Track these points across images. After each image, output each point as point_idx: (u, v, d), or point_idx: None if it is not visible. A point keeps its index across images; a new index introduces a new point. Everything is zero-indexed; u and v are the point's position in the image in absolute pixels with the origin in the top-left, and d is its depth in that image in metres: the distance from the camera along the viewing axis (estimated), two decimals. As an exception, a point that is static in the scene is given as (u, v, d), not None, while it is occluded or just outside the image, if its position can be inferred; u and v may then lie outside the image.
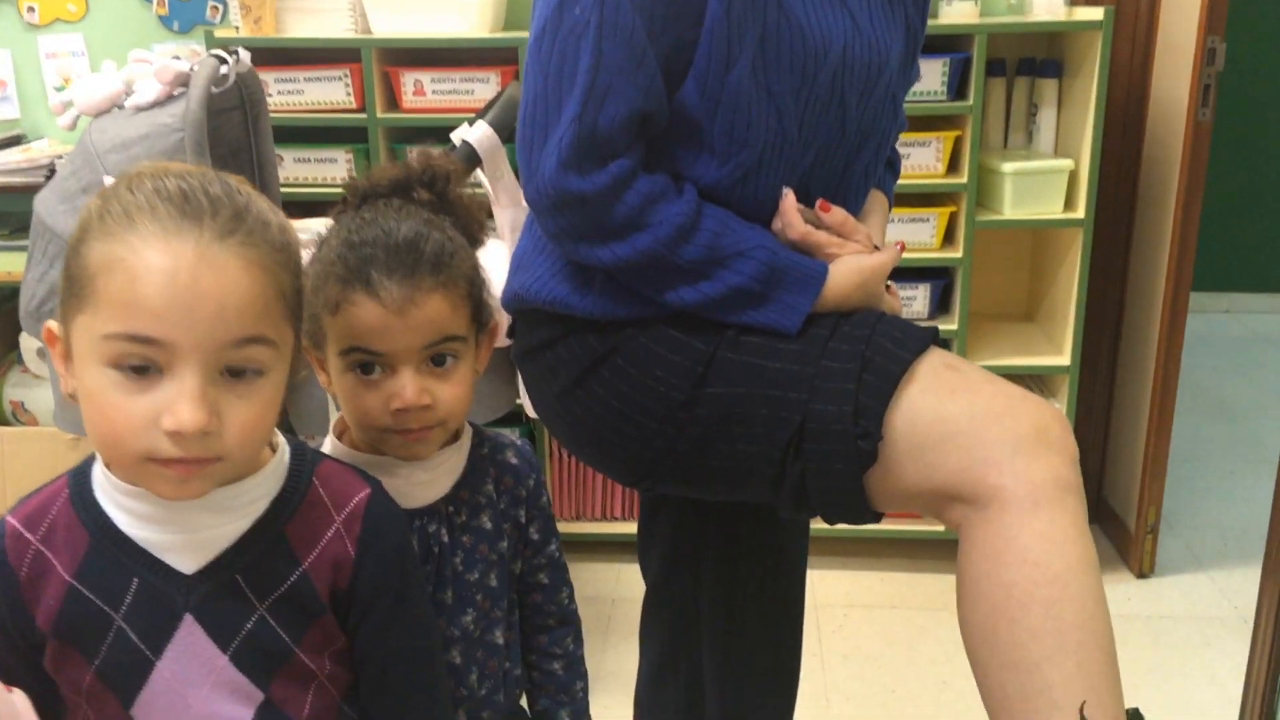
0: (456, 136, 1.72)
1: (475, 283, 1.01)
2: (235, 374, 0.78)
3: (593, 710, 2.29)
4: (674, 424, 1.10)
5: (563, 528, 2.76)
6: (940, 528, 2.66)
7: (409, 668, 0.92)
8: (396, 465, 1.01)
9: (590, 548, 2.78)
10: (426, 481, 1.02)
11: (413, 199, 1.02)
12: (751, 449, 1.08)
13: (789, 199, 1.11)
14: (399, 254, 0.95)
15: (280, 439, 0.90)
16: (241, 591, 0.85)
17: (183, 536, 0.83)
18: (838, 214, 1.13)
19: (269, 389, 0.80)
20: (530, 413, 2.33)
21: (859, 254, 1.12)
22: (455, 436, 1.06)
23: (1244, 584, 2.60)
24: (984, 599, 0.99)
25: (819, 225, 1.13)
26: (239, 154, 1.96)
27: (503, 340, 1.29)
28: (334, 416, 1.16)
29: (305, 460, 0.90)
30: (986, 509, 1.01)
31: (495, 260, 1.20)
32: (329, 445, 1.03)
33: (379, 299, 0.93)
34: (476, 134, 1.72)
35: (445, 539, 1.02)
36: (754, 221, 1.11)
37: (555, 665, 1.13)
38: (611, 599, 2.60)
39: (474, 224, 1.08)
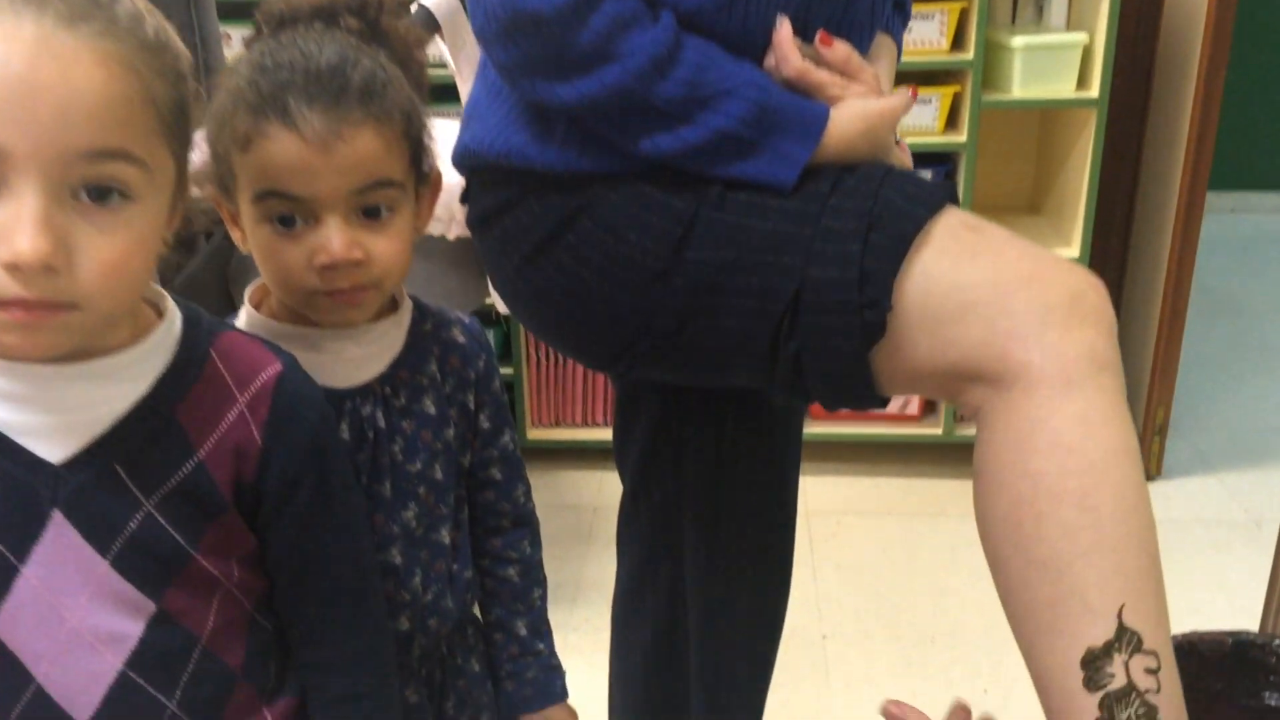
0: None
1: (413, 120, 0.84)
2: (95, 197, 0.62)
3: (574, 622, 2.21)
4: (650, 296, 0.95)
5: (541, 434, 2.64)
6: (937, 430, 2.54)
7: (332, 572, 0.78)
8: (324, 338, 0.86)
9: (570, 455, 2.65)
10: (359, 358, 0.87)
11: (339, 26, 0.85)
12: (740, 324, 0.94)
13: (784, 30, 0.94)
14: (321, 80, 0.78)
15: (170, 303, 0.74)
16: (123, 484, 0.70)
17: (49, 418, 0.68)
18: (841, 49, 0.96)
19: (138, 222, 0.64)
20: (501, 308, 2.19)
21: (865, 97, 0.96)
22: (394, 307, 0.91)
23: (1254, 487, 2.49)
24: (1008, 491, 0.86)
25: (819, 62, 0.96)
26: (180, 32, 1.78)
27: (465, 229, 1.14)
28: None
29: (200, 329, 0.74)
30: (1011, 389, 0.86)
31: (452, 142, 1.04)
32: (243, 317, 0.88)
33: (298, 131, 0.77)
34: (435, -2, 1.53)
35: (382, 424, 0.88)
36: (743, 57, 0.94)
37: (510, 571, 1.00)
38: (593, 507, 2.48)
39: (413, 62, 0.91)
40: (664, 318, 0.95)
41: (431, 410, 0.91)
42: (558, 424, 2.65)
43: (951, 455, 2.62)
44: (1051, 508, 0.83)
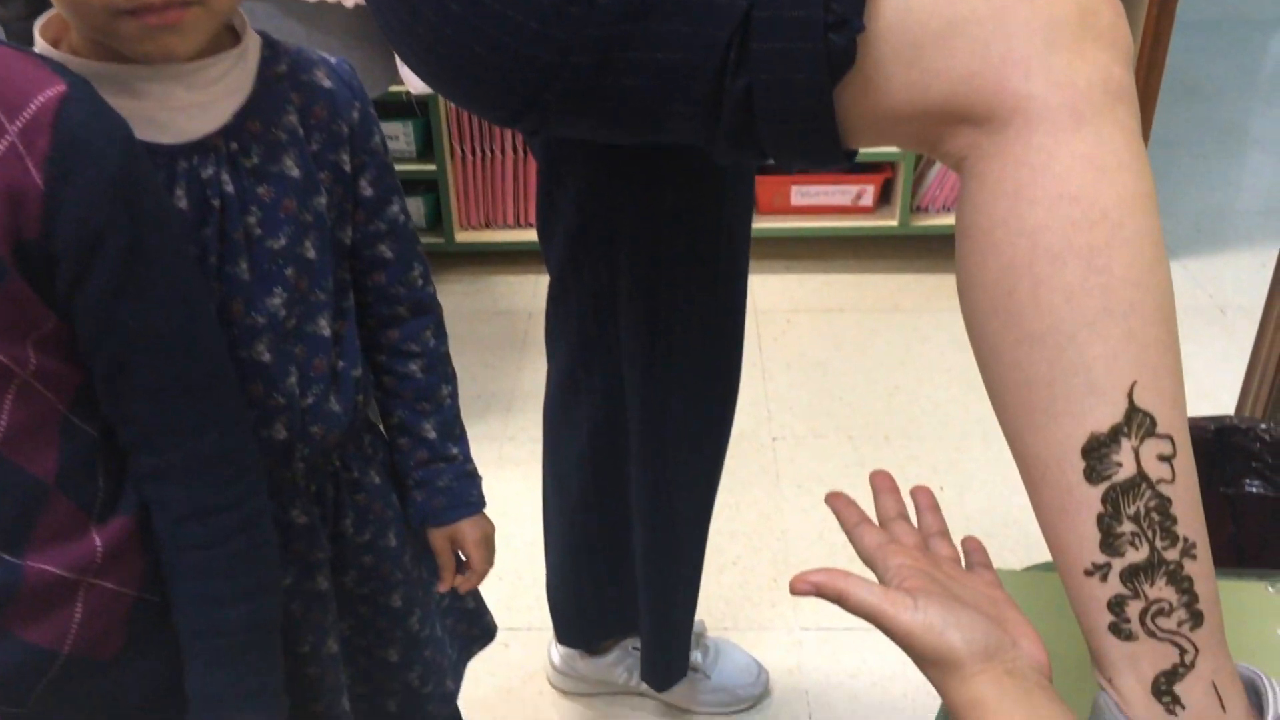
0: None
1: None
2: None
3: (510, 432, 2.09)
4: (564, 25, 0.77)
5: (470, 237, 2.45)
6: (892, 222, 2.39)
7: (161, 358, 0.62)
8: (141, 77, 0.67)
9: (502, 258, 2.48)
10: (191, 105, 0.68)
11: None
12: (674, 57, 0.76)
13: None
14: None
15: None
16: None
17: None
18: None
19: None
20: (415, 87, 1.96)
21: None
22: (234, 40, 0.71)
23: (1219, 271, 2.40)
24: (999, 253, 0.71)
25: None
26: None
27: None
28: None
29: (-48, 49, 0.55)
30: (1006, 129, 0.70)
31: None
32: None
33: None
34: None
35: (229, 189, 0.70)
36: None
37: (412, 366, 0.85)
38: (528, 313, 2.33)
39: None
40: (582, 52, 0.77)
41: (294, 172, 0.73)
42: (487, 225, 2.46)
43: (906, 248, 2.49)
44: (1053, 270, 0.68)
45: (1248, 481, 1.22)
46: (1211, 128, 3.17)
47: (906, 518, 0.80)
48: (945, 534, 0.78)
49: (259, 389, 0.74)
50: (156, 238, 0.61)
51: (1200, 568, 0.67)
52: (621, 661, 1.39)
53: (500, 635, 1.51)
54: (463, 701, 1.40)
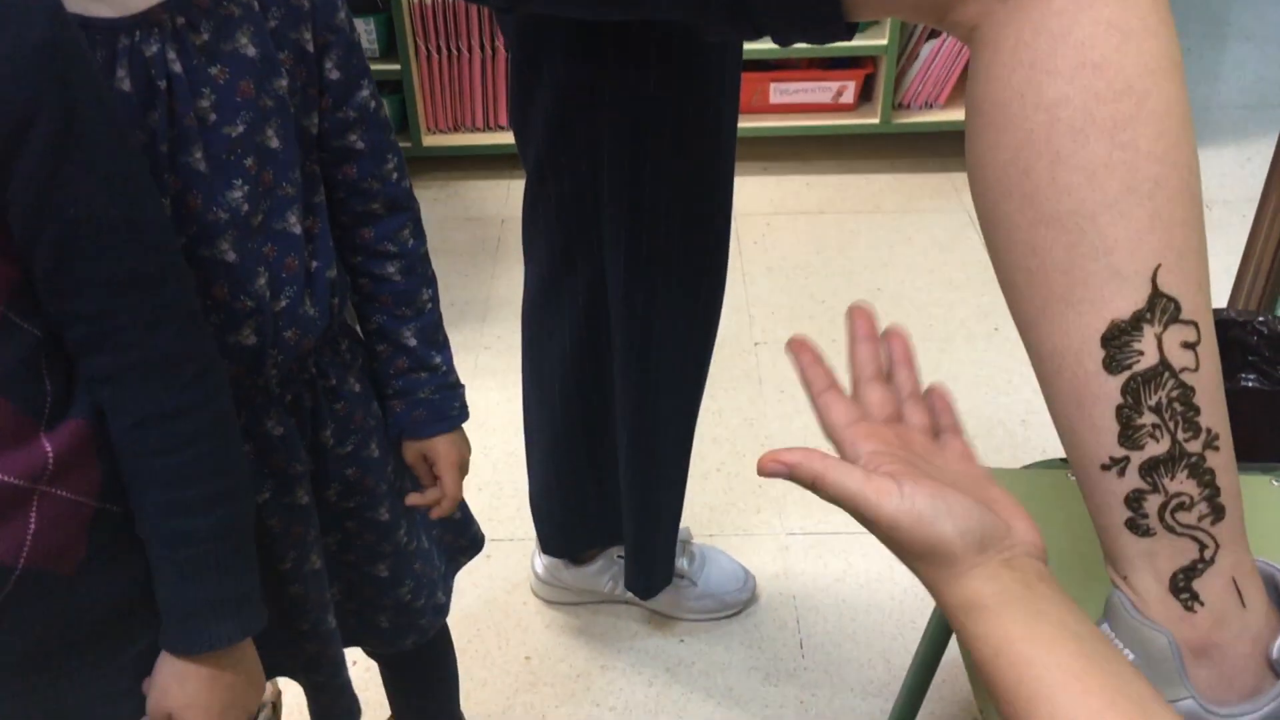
0: None
1: None
2: None
3: (485, 341, 2.04)
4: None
5: (438, 140, 2.36)
6: (873, 119, 2.32)
7: (104, 250, 0.56)
8: (72, -55, 0.60)
9: (473, 162, 2.40)
10: (130, -26, 0.62)
11: None
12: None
13: None
14: None
15: None
16: None
17: None
18: None
19: None
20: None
21: None
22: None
23: (1204, 166, 2.35)
24: (1014, 130, 0.66)
25: None
26: None
27: None
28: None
29: None
30: (1021, -8, 0.65)
31: None
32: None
33: None
34: None
35: (177, 68, 0.63)
36: None
37: (390, 268, 0.80)
38: (501, 219, 2.27)
39: None
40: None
41: (250, 51, 0.67)
42: (456, 128, 2.37)
43: (888, 147, 2.43)
44: (1073, 146, 0.63)
45: (1244, 376, 1.20)
46: (1192, 19, 3.10)
47: (883, 378, 0.70)
48: (918, 395, 0.69)
49: (224, 290, 0.69)
50: (94, 117, 0.54)
51: (1222, 460, 0.64)
52: (606, 570, 1.37)
53: (484, 547, 1.50)
54: (450, 613, 1.38)
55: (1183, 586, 0.64)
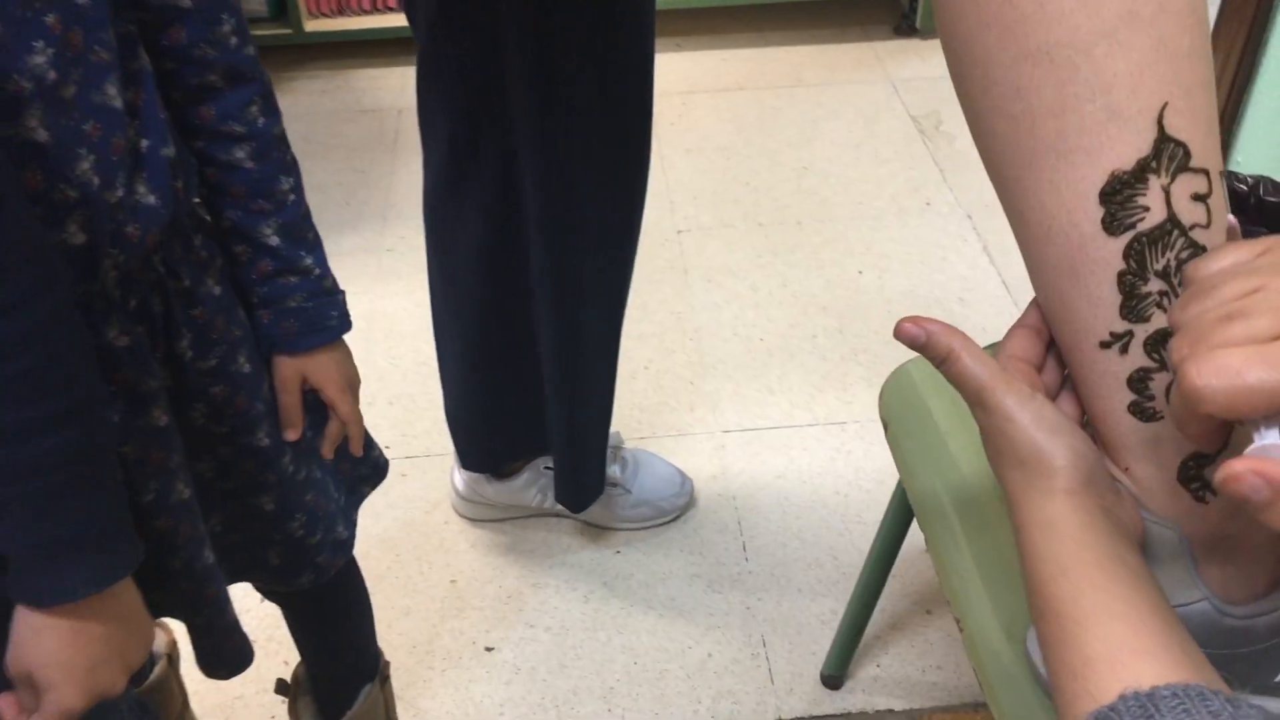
0: None
1: None
2: None
3: (388, 243, 1.88)
4: None
5: (323, 25, 2.15)
6: (791, -11, 2.19)
7: None
8: None
9: (362, 49, 2.20)
10: None
11: None
12: None
13: None
14: None
15: None
16: None
17: None
18: None
19: None
20: None
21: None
22: None
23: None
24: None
25: None
26: None
27: None
28: None
29: None
30: None
31: None
32: None
33: None
34: None
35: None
36: None
37: (238, 152, 0.66)
38: (397, 109, 2.09)
39: None
40: None
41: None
42: (341, 12, 2.17)
43: (807, 17, 2.29)
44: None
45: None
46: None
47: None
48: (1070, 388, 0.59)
49: (38, 178, 0.55)
50: None
51: (1234, 326, 0.55)
52: (533, 483, 1.27)
53: (396, 465, 1.39)
54: (362, 540, 1.27)
55: (1193, 474, 0.56)
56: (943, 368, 0.55)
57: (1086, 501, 0.51)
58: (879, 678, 1.14)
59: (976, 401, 0.54)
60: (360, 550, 1.27)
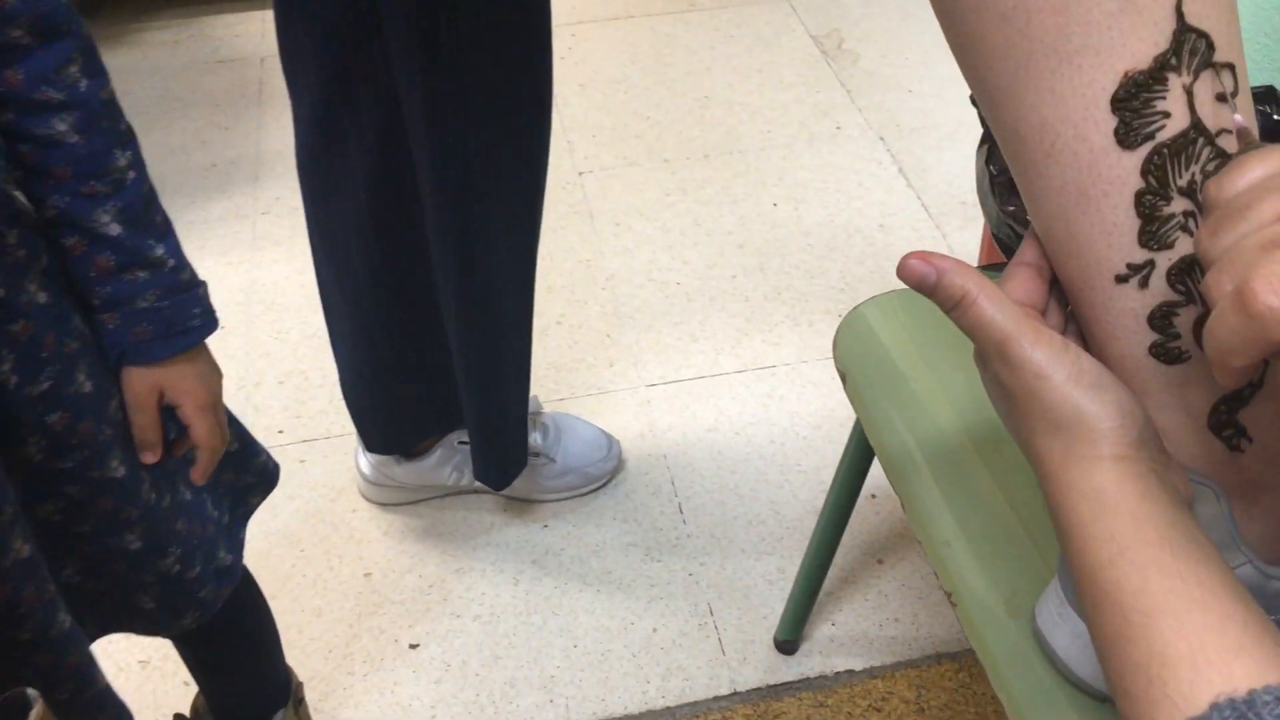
0: None
1: None
2: None
3: (261, 205, 1.72)
4: None
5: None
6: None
7: None
8: None
9: (215, -7, 2.01)
10: None
11: None
12: None
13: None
14: None
15: None
16: None
17: None
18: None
19: None
20: None
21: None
22: None
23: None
24: None
25: None
26: None
27: None
28: None
29: None
30: None
31: None
32: None
33: None
34: None
35: None
36: None
37: (58, 124, 0.53)
38: (260, 57, 1.91)
39: None
40: None
41: None
42: (187, -47, 1.97)
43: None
44: None
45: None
46: None
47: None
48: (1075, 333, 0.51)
49: None
50: None
51: (1266, 248, 0.47)
52: (447, 461, 1.16)
53: (293, 451, 1.26)
54: (259, 538, 1.16)
55: (1225, 420, 0.48)
56: (955, 314, 0.46)
57: (1140, 467, 0.43)
58: (835, 637, 1.07)
59: (998, 355, 0.45)
60: (259, 550, 1.16)
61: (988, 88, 0.49)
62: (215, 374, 0.64)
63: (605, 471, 1.20)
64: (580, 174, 1.65)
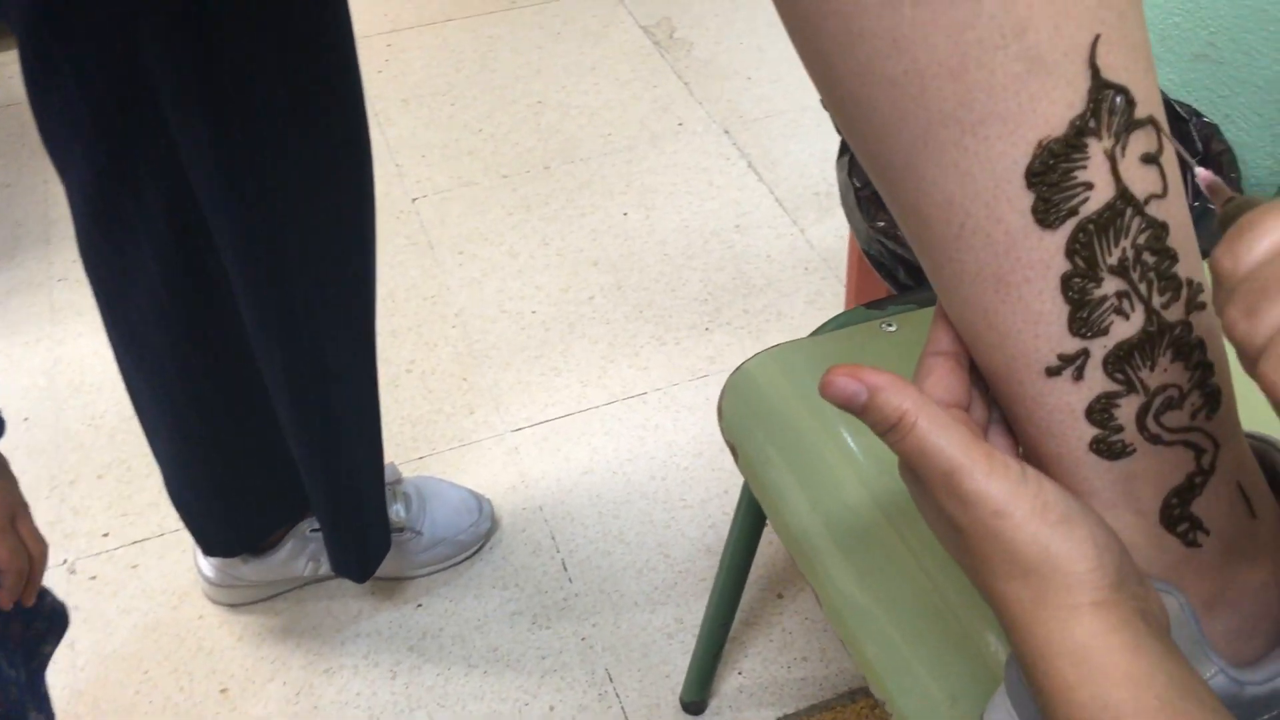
0: None
1: None
2: None
3: (56, 274, 1.51)
4: None
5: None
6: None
7: None
8: None
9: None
10: None
11: None
12: None
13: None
14: None
15: None
16: None
17: None
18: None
19: None
20: None
21: None
22: None
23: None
24: None
25: None
26: None
27: None
28: None
29: None
30: None
31: None
32: None
33: None
34: None
35: None
36: None
37: None
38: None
39: None
40: None
41: None
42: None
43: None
44: None
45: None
46: None
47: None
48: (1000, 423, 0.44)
49: None
50: None
51: (1209, 321, 0.42)
52: (301, 551, 1.04)
53: (122, 555, 1.12)
54: (94, 664, 1.02)
55: (1179, 514, 0.43)
56: (891, 438, 0.39)
57: (1124, 612, 0.37)
58: (744, 687, 1.01)
59: (946, 489, 0.38)
60: (95, 678, 1.02)
61: (880, 162, 0.42)
62: (7, 481, 0.53)
63: (478, 536, 1.11)
64: (414, 200, 1.53)
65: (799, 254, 1.39)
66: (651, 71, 1.75)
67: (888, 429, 0.39)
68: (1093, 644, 0.36)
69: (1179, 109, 0.94)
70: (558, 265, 1.42)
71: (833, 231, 1.43)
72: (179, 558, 1.12)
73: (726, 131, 1.63)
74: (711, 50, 1.79)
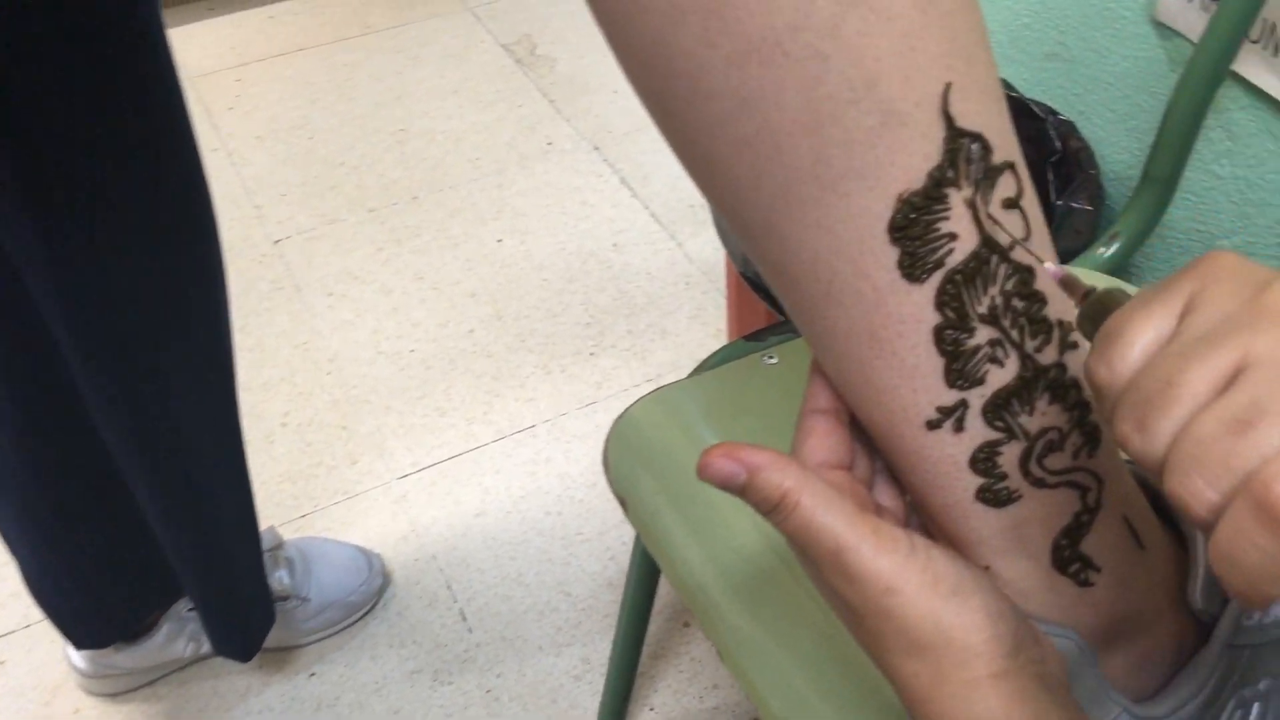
0: None
1: None
2: None
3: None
4: None
5: None
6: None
7: None
8: None
9: None
10: None
11: None
12: None
13: None
14: None
15: None
16: None
17: None
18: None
19: None
20: None
21: None
22: None
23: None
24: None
25: None
26: None
27: None
28: None
29: None
30: None
31: None
32: None
33: None
34: None
35: None
36: None
37: None
38: None
39: None
40: None
41: None
42: None
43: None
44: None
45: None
46: None
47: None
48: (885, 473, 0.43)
49: None
50: None
51: (1079, 359, 0.42)
52: (179, 633, 0.98)
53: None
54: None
55: (1069, 555, 0.42)
56: (774, 519, 0.38)
57: (1023, 680, 0.36)
58: (657, 724, 0.99)
59: (833, 568, 0.37)
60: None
61: (741, 221, 0.40)
62: None
63: (370, 594, 1.06)
64: (276, 242, 1.47)
65: (678, 269, 1.37)
66: (515, 91, 1.72)
67: (770, 509, 0.37)
68: (994, 713, 0.35)
69: (1035, 108, 0.96)
70: (434, 299, 1.38)
71: (710, 244, 1.42)
72: (49, 648, 1.04)
73: (596, 148, 1.60)
74: (575, 65, 1.77)
